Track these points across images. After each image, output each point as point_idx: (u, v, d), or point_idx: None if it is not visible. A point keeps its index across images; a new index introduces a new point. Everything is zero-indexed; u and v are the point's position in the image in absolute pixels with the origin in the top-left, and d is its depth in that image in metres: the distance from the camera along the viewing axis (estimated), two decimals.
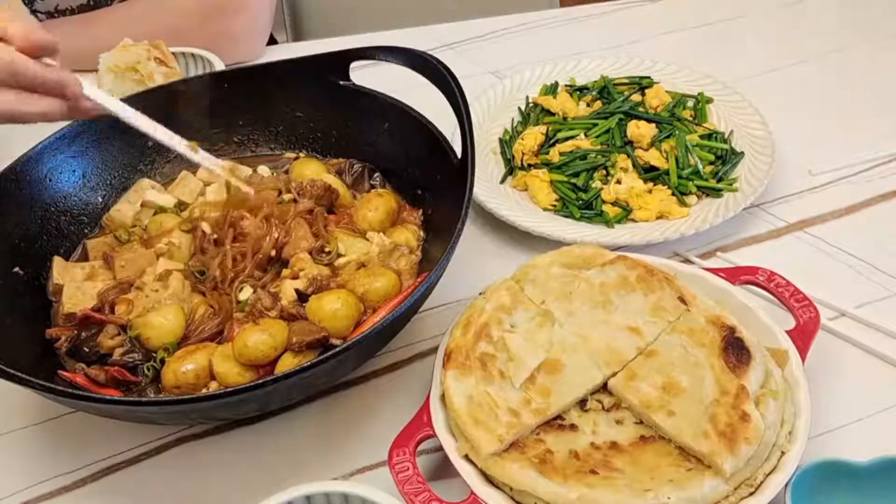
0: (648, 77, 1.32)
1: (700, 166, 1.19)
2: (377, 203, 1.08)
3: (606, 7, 1.58)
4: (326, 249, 1.04)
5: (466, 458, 0.86)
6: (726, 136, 1.24)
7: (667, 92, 1.29)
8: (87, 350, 0.97)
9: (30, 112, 0.90)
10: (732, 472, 0.81)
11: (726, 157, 1.21)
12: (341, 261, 1.03)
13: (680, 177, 1.18)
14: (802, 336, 0.93)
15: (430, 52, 1.08)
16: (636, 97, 1.29)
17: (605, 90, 1.31)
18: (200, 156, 1.05)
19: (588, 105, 1.30)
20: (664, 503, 0.79)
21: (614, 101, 1.29)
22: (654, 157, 1.19)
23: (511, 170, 1.24)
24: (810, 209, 1.16)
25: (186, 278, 1.02)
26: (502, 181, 1.23)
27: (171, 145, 1.03)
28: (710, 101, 1.29)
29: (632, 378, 0.89)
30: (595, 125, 1.25)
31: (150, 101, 1.14)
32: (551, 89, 1.34)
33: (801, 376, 0.89)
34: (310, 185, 1.07)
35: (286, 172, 1.13)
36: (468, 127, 0.99)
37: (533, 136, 1.24)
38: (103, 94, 0.97)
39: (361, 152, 1.16)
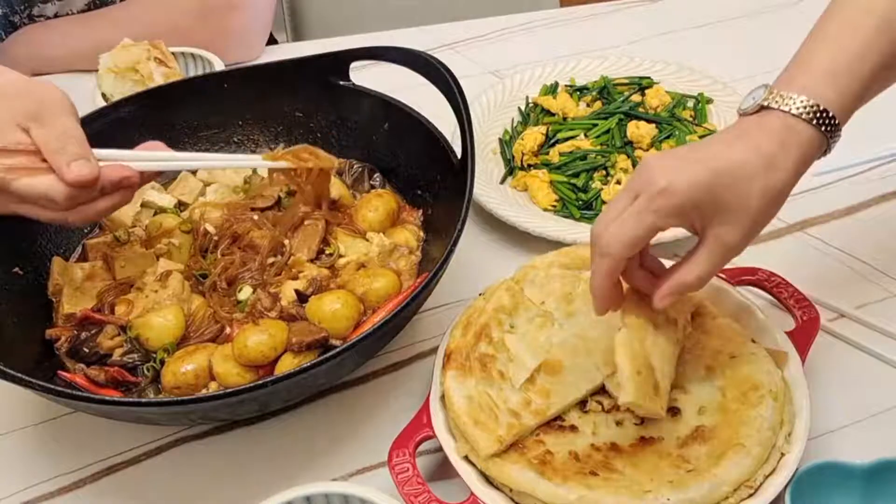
0: (648, 77, 1.32)
1: None
2: (377, 203, 1.08)
3: (606, 7, 1.58)
4: (328, 252, 1.04)
5: (466, 458, 0.86)
6: None
7: (667, 92, 1.29)
8: (86, 350, 0.97)
9: (91, 216, 0.90)
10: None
11: None
12: (341, 261, 1.03)
13: None
14: (802, 337, 0.93)
15: (430, 52, 1.08)
16: (636, 97, 1.29)
17: (605, 90, 1.31)
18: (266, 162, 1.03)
19: (588, 105, 1.30)
20: None
21: (614, 101, 1.28)
22: None
23: (511, 170, 1.24)
24: (810, 209, 1.16)
25: (186, 279, 1.02)
26: (502, 181, 1.23)
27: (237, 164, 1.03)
28: (710, 101, 1.29)
29: None
30: (595, 125, 1.25)
31: (150, 101, 1.14)
32: (551, 89, 1.34)
33: (801, 377, 0.89)
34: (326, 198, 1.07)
35: None
36: (468, 127, 0.99)
37: (533, 136, 1.24)
38: (153, 162, 0.95)
39: (361, 152, 1.16)
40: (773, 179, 0.79)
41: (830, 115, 0.80)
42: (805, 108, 0.79)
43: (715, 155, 0.80)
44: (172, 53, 1.33)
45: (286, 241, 1.04)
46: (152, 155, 0.94)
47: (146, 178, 0.94)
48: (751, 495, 0.81)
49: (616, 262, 0.80)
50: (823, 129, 0.80)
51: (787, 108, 0.80)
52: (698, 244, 0.81)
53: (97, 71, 1.31)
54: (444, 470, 0.90)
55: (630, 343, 0.81)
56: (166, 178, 1.17)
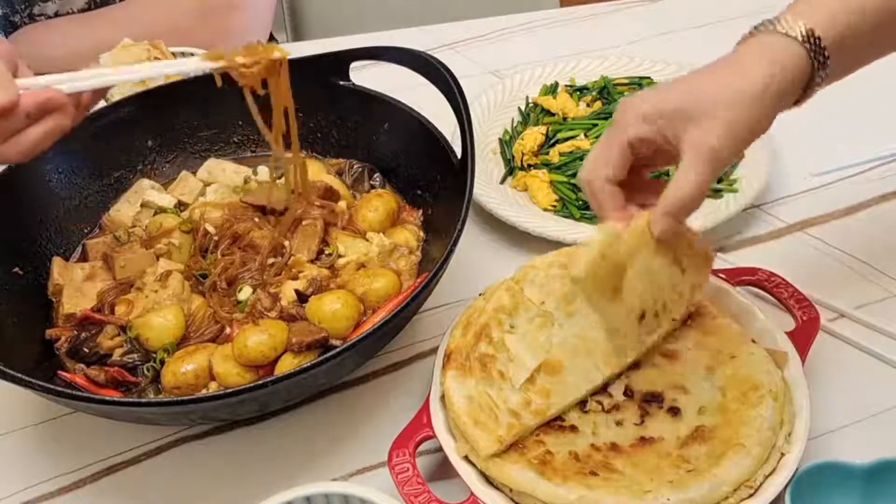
0: (648, 77, 1.32)
1: None
2: (377, 203, 1.08)
3: (606, 7, 1.57)
4: (327, 252, 1.04)
5: (466, 458, 0.86)
6: None
7: None
8: (86, 350, 0.97)
9: (26, 146, 0.86)
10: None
11: None
12: (341, 261, 1.03)
13: None
14: (802, 337, 0.93)
15: (430, 52, 1.08)
16: None
17: (605, 90, 1.31)
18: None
19: (588, 105, 1.30)
20: None
21: (614, 101, 1.28)
22: None
23: (511, 170, 1.24)
24: (810, 209, 1.16)
25: (186, 279, 1.02)
26: (502, 181, 1.23)
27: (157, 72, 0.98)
28: None
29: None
30: (595, 125, 1.25)
31: (150, 101, 1.14)
32: (551, 89, 1.34)
33: (801, 377, 0.89)
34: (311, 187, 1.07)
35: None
36: (468, 127, 0.99)
37: (533, 136, 1.24)
38: (80, 81, 0.92)
39: (361, 152, 1.16)
40: (747, 82, 0.78)
41: (818, 36, 0.79)
42: (796, 29, 0.79)
43: (690, 79, 0.81)
44: (172, 53, 1.33)
45: (286, 242, 1.04)
46: (79, 74, 0.92)
47: (87, 99, 0.91)
48: (751, 495, 0.82)
49: (594, 184, 0.80)
50: (810, 49, 0.79)
51: (774, 27, 0.80)
52: (682, 159, 0.79)
53: None
54: (444, 470, 0.90)
55: (609, 235, 0.79)
56: (166, 178, 1.17)
